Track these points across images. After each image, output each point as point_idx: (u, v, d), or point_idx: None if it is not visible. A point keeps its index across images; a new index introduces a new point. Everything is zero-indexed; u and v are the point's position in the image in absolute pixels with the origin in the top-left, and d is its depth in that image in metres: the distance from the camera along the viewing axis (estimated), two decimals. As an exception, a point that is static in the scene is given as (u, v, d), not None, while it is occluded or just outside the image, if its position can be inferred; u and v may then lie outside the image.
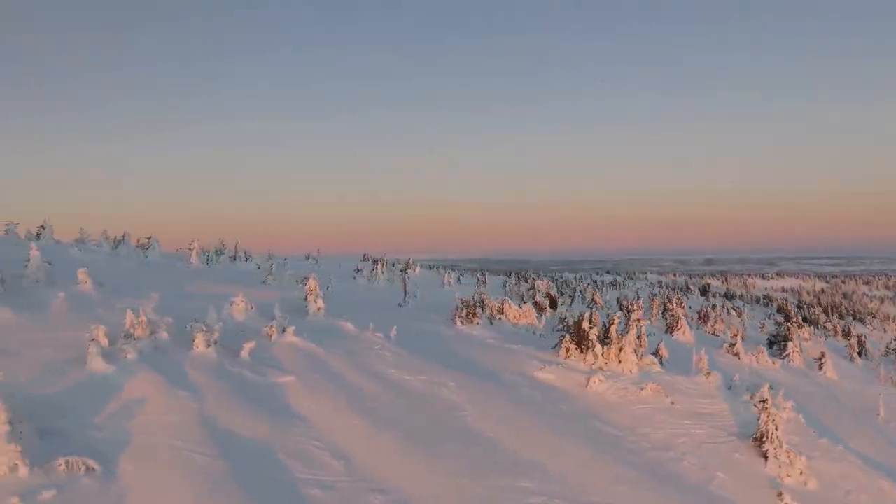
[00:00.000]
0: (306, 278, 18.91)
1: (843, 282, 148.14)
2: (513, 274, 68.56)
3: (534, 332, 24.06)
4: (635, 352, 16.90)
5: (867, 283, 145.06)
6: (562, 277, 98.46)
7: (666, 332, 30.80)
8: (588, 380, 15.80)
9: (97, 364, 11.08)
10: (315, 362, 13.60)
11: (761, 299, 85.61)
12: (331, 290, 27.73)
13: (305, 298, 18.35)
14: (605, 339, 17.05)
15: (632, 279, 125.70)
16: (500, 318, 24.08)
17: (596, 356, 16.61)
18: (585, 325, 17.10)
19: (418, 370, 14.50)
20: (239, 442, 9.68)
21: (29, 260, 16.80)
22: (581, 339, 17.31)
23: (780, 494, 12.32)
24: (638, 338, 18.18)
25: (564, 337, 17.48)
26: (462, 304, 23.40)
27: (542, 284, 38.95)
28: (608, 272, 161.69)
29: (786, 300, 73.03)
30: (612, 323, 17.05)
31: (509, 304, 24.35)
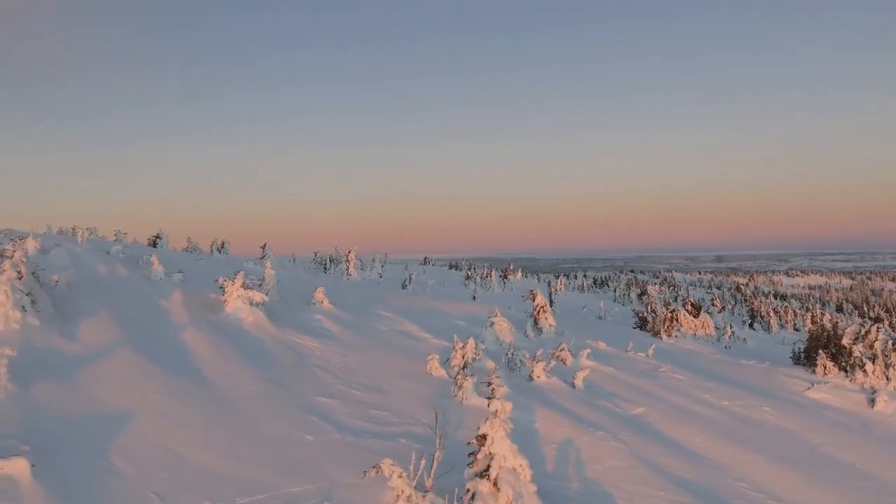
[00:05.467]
0: (532, 293, 17.98)
1: (869, 278, 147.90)
2: (586, 275, 67.66)
3: (713, 344, 23.25)
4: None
5: (893, 279, 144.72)
6: (601, 276, 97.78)
7: (810, 338, 29.93)
8: (872, 400, 14.97)
9: (475, 399, 10.19)
10: (635, 389, 12.76)
11: (810, 298, 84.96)
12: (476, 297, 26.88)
13: (533, 314, 17.45)
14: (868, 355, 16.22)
15: (657, 278, 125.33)
16: (679, 329, 23.24)
17: (866, 374, 15.78)
18: (847, 341, 16.27)
19: (724, 394, 13.67)
20: (695, 488, 8.81)
21: (264, 279, 15.90)
22: (838, 355, 16.48)
23: None
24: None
25: (820, 354, 16.62)
26: (640, 316, 22.58)
27: (654, 290, 38.13)
28: (632, 271, 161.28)
29: (882, 302, 72.18)
30: (876, 338, 16.22)
31: (684, 315, 23.50)
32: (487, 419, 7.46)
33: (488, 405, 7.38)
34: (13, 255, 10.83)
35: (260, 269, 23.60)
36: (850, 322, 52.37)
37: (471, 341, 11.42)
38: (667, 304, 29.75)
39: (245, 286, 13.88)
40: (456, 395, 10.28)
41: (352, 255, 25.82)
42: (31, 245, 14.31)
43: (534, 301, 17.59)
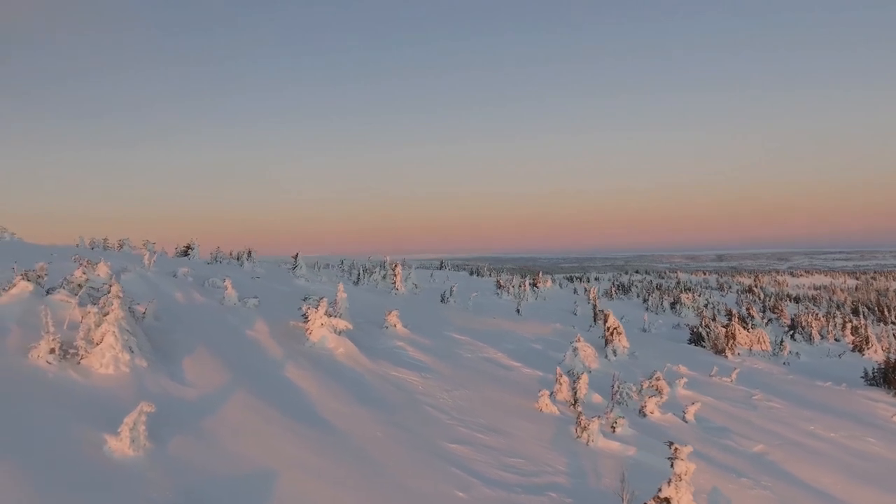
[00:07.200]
0: (604, 314, 17.53)
1: (874, 278, 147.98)
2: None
3: (770, 360, 22.86)
4: None
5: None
6: (618, 280, 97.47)
7: (854, 350, 29.60)
8: (965, 425, 14.58)
9: (601, 441, 9.75)
10: (742, 421, 12.34)
11: (821, 300, 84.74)
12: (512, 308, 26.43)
13: (606, 336, 17.01)
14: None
15: (661, 278, 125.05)
16: (736, 345, 22.83)
17: (954, 397, 15.41)
18: (931, 362, 15.89)
19: (826, 424, 13.27)
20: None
21: (336, 303, 15.39)
22: (921, 377, 16.11)
23: None
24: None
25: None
26: (694, 331, 22.17)
27: (687, 299, 37.68)
28: (637, 271, 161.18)
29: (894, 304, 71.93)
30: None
31: (739, 330, 23.11)
32: (671, 481, 7.01)
33: (673, 461, 6.95)
34: (111, 289, 10.32)
35: (317, 288, 23.12)
36: (877, 327, 52.00)
37: (584, 377, 10.99)
38: (708, 314, 29.33)
39: (328, 313, 13.41)
40: (580, 437, 9.83)
41: (398, 269, 25.16)
42: (104, 271, 13.72)
43: (605, 322, 17.15)
